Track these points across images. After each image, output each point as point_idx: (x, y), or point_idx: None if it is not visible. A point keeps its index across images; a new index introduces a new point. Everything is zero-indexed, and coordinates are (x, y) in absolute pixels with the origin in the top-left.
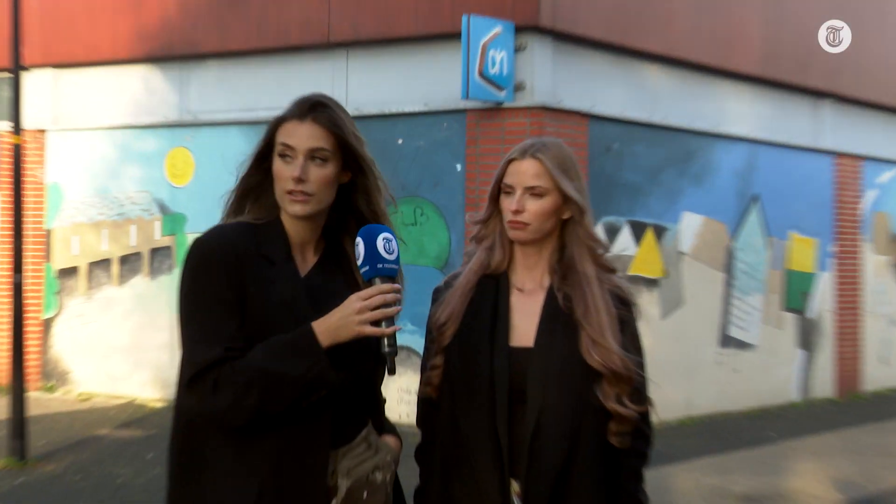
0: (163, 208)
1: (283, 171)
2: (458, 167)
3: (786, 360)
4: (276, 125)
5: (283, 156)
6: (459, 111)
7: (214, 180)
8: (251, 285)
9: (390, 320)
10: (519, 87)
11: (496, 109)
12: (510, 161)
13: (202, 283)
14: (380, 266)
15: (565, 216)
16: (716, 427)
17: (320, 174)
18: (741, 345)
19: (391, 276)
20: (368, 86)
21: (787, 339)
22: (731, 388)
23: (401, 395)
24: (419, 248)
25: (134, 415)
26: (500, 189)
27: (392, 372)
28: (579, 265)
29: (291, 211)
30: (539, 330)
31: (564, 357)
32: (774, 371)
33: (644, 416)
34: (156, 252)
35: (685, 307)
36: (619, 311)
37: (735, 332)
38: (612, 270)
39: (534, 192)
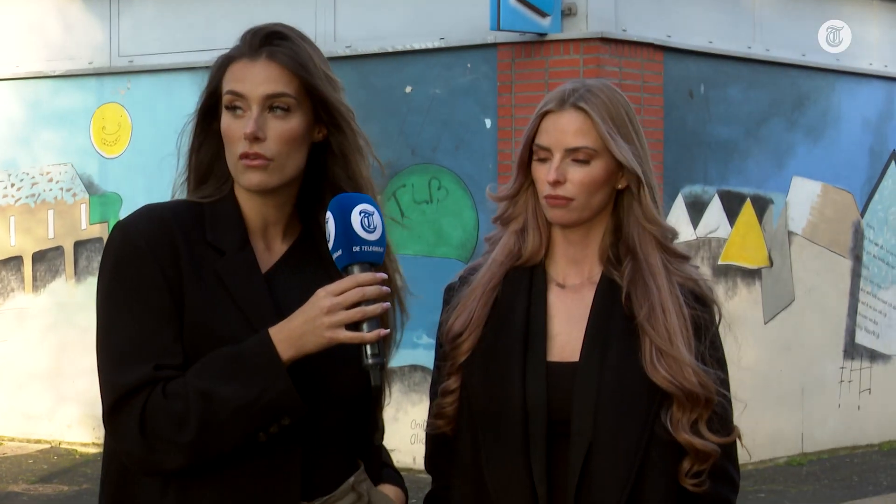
0: (90, 187)
1: (233, 129)
2: (488, 123)
3: None
4: (221, 68)
5: (231, 108)
6: (488, 46)
7: (158, 147)
8: (191, 283)
9: (375, 322)
10: (568, 12)
11: (538, 43)
12: (545, 114)
13: (126, 281)
14: (356, 249)
15: (621, 185)
16: (839, 467)
17: (282, 129)
18: (874, 356)
19: (374, 262)
20: (364, 15)
21: None
22: (859, 414)
23: (415, 433)
24: (436, 232)
25: (58, 464)
26: (531, 152)
27: (377, 391)
28: (640, 251)
29: (245, 182)
30: (587, 339)
31: (621, 374)
32: None
33: (728, 452)
34: (82, 246)
35: (797, 307)
36: (694, 311)
37: (865, 340)
38: (683, 258)
39: (577, 155)
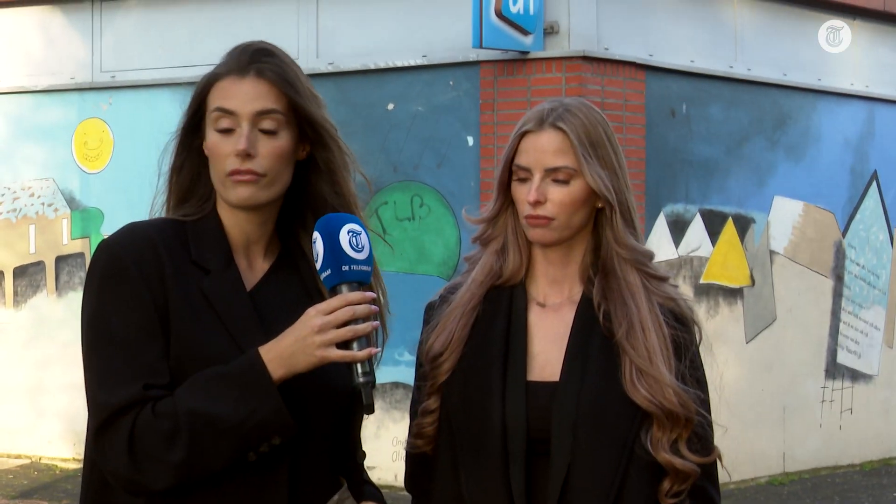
0: (72, 202)
1: (222, 146)
2: (470, 140)
3: None
4: (206, 85)
5: (219, 125)
6: (471, 64)
7: (140, 162)
8: (177, 301)
9: (364, 340)
10: (551, 30)
11: (520, 61)
12: (523, 134)
13: (112, 299)
14: (346, 269)
15: (600, 204)
16: (820, 487)
17: (273, 146)
18: (855, 376)
19: (362, 281)
20: (346, 32)
21: None
22: (840, 434)
23: (397, 450)
24: (419, 250)
25: (38, 480)
26: (511, 173)
27: (370, 410)
28: (619, 270)
29: (236, 197)
30: (567, 358)
31: (601, 393)
32: None
33: (708, 472)
34: (63, 261)
35: (779, 326)
36: (674, 330)
37: (847, 359)
38: (662, 278)
39: (557, 175)
